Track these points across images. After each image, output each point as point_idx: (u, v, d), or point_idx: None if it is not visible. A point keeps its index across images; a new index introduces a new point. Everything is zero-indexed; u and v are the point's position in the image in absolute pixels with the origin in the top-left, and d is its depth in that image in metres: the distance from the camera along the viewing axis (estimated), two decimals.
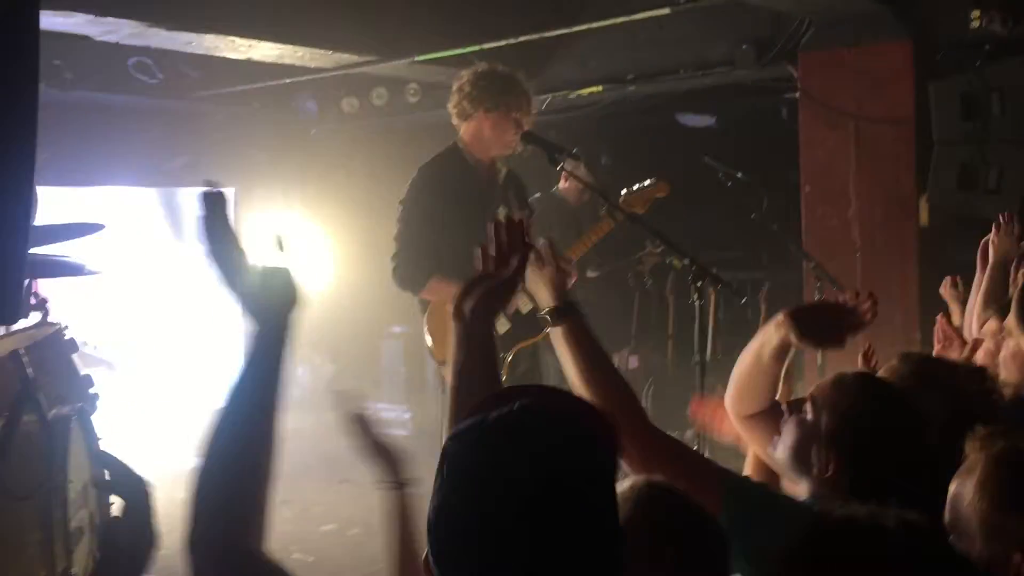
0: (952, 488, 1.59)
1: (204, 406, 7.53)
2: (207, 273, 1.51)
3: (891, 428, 1.91)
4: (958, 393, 2.18)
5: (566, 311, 2.09)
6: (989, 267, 3.47)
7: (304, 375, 7.84)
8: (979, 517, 1.53)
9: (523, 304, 4.04)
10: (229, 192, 7.68)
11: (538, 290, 2.17)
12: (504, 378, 3.96)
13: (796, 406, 2.06)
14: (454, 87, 4.03)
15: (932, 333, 3.71)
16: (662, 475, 1.81)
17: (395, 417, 7.58)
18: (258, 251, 1.54)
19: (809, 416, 1.98)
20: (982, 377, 2.27)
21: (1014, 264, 3.34)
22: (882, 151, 5.44)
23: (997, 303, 3.12)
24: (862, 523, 1.28)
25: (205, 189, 1.52)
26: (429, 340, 4.07)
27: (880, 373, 2.41)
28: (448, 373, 1.84)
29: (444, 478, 1.24)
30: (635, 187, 3.98)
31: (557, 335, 2.08)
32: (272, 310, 1.48)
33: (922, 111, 5.18)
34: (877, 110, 5.42)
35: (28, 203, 1.64)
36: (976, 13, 4.94)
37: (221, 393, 1.44)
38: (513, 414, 1.25)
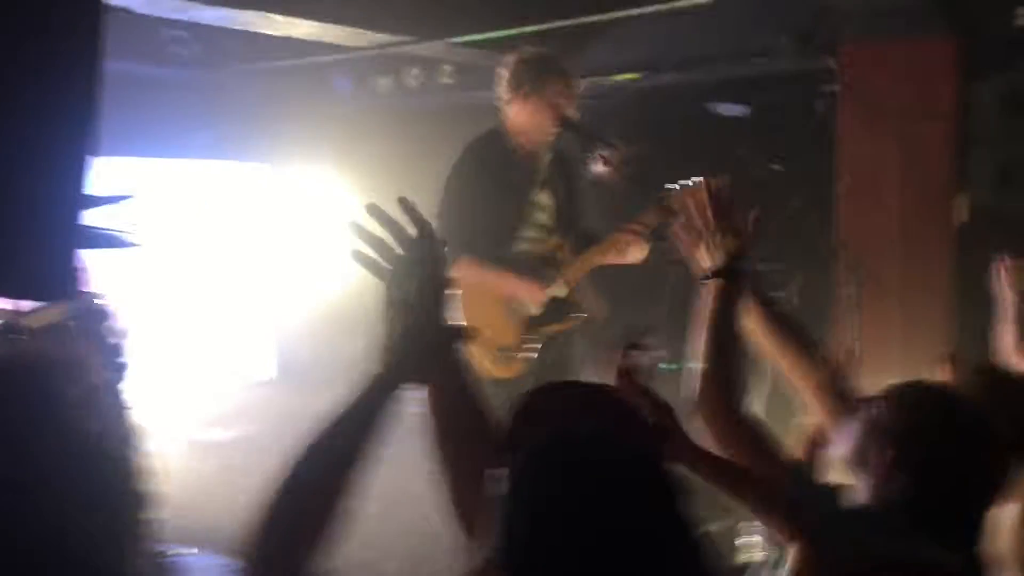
0: (998, 513, 1.56)
1: (221, 380, 7.58)
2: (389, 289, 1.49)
3: (961, 445, 1.86)
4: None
5: (730, 273, 2.15)
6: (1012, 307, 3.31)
7: (328, 354, 7.87)
8: (1018, 545, 1.51)
9: (558, 289, 4.04)
10: (262, 169, 7.69)
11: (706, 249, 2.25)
12: (532, 366, 3.98)
13: (864, 402, 2.03)
14: (499, 71, 4.03)
15: (968, 331, 3.66)
16: (735, 453, 1.83)
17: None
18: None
19: (877, 418, 1.94)
20: None
21: None
22: (921, 147, 5.38)
23: None
24: None
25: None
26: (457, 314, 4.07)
27: (952, 366, 2.37)
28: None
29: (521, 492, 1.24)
30: (687, 182, 3.94)
31: (710, 287, 2.15)
32: (410, 375, 1.48)
33: (963, 108, 5.11)
34: (917, 106, 5.35)
35: (79, 177, 1.64)
36: (1021, 10, 4.87)
37: (318, 423, 1.43)
38: (584, 443, 1.26)
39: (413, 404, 1.64)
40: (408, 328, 1.47)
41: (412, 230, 1.53)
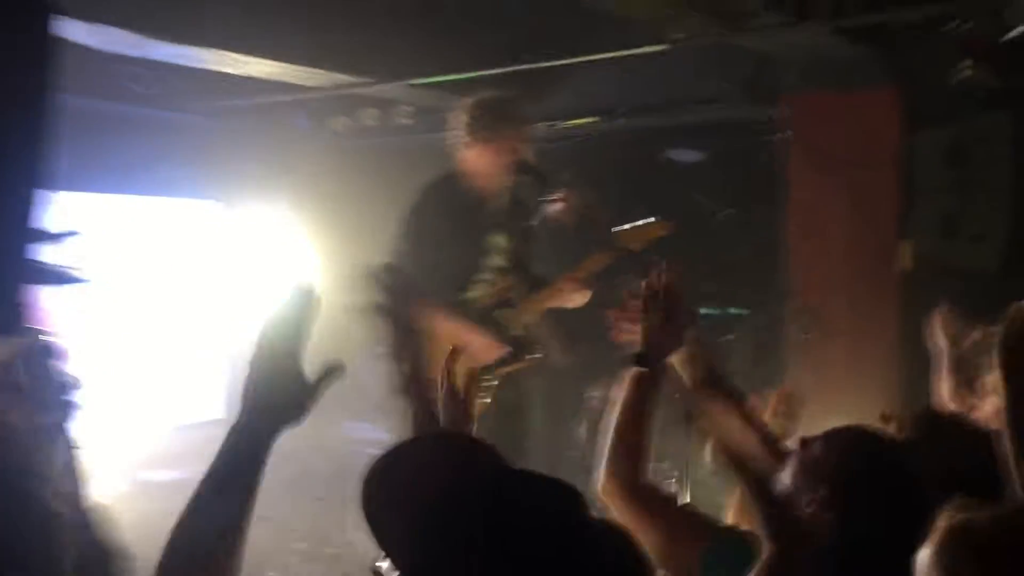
0: (919, 555, 1.60)
1: (169, 419, 7.40)
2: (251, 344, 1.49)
3: (888, 489, 1.93)
4: (964, 454, 2.21)
5: (648, 363, 2.24)
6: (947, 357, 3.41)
7: None
8: None
9: (516, 326, 4.07)
10: (216, 207, 7.61)
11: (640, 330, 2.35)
12: (489, 401, 3.99)
13: (805, 443, 2.07)
14: (454, 116, 4.07)
15: (912, 377, 3.74)
16: (645, 524, 1.87)
17: (373, 437, 7.54)
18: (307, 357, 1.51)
19: (809, 460, 2.00)
20: (990, 440, 2.29)
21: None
22: (867, 195, 5.51)
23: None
24: None
25: (305, 285, 1.53)
26: None
27: (892, 424, 2.43)
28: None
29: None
30: (637, 223, 4.02)
31: (630, 373, 2.24)
32: (277, 418, 1.48)
33: (907, 157, 5.24)
34: (863, 154, 5.49)
35: (29, 212, 1.64)
36: (967, 63, 5.02)
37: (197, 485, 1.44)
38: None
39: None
40: (267, 375, 1.48)
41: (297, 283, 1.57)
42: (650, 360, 2.29)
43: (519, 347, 4.10)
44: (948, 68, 5.07)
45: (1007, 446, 2.13)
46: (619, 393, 2.24)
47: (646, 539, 1.97)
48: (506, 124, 3.98)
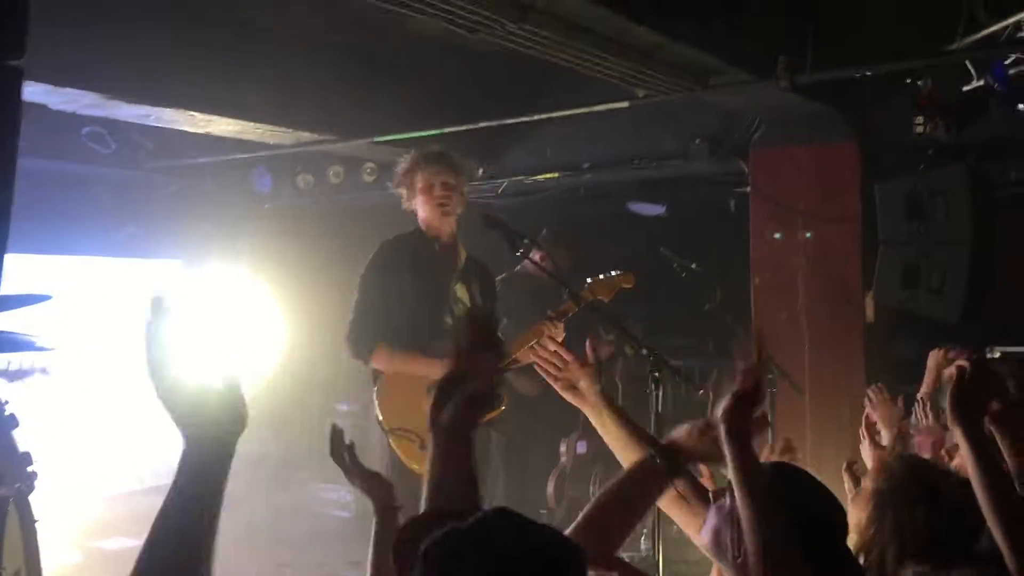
0: None
1: (125, 484, 7.22)
2: (144, 383, 1.45)
3: (803, 517, 1.92)
4: (947, 503, 2.22)
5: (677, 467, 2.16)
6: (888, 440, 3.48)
7: (245, 454, 7.67)
8: None
9: None
10: (177, 266, 7.53)
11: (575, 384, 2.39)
12: None
13: (721, 493, 2.06)
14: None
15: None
16: None
17: (337, 499, 7.43)
18: (202, 364, 1.49)
19: (727, 502, 1.98)
20: (970, 490, 2.29)
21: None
22: (829, 248, 5.57)
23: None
24: None
25: (155, 295, 1.48)
26: (378, 411, 4.07)
27: (872, 471, 2.43)
28: (425, 486, 1.81)
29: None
30: (601, 276, 4.06)
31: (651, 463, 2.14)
32: (212, 433, 1.43)
33: (868, 210, 5.32)
34: (825, 208, 5.56)
35: None
36: (920, 119, 5.13)
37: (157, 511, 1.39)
38: (488, 521, 1.29)
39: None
40: (180, 403, 1.44)
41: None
42: (680, 465, 2.17)
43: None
44: (906, 123, 5.17)
45: (975, 486, 2.14)
46: (629, 473, 2.15)
47: None
48: (410, 172, 4.22)
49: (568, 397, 2.49)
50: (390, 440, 4.03)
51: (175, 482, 1.39)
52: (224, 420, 1.44)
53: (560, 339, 4.01)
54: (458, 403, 1.82)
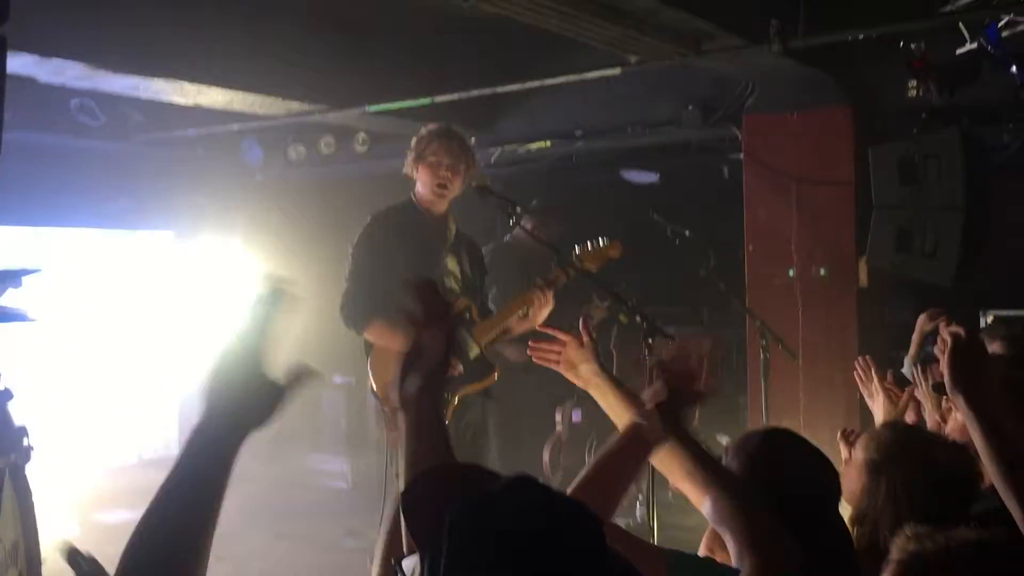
0: None
1: (122, 457, 7.23)
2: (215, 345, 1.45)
3: (800, 478, 1.95)
4: (940, 469, 2.22)
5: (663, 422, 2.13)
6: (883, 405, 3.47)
7: None
8: None
9: (472, 349, 4.06)
10: (168, 238, 7.46)
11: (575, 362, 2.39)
12: (448, 422, 3.98)
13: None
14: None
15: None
16: None
17: (334, 469, 7.46)
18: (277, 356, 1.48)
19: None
20: (964, 455, 2.30)
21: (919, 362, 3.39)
22: (823, 213, 5.57)
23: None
24: None
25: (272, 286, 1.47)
26: (373, 381, 4.08)
27: (862, 440, 2.44)
28: (400, 461, 1.81)
29: (451, 551, 1.23)
30: (589, 245, 4.06)
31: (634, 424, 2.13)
32: (242, 418, 1.42)
33: (862, 175, 5.31)
34: (818, 172, 5.55)
35: None
36: (913, 82, 5.10)
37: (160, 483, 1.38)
38: (515, 490, 1.28)
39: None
40: (229, 376, 1.44)
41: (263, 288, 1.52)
42: (665, 420, 2.14)
43: (478, 368, 4.11)
44: (899, 87, 5.15)
45: (984, 458, 2.14)
46: (617, 437, 2.17)
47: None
48: (417, 147, 4.18)
49: (570, 377, 2.47)
50: (385, 408, 4.05)
51: (186, 454, 1.38)
52: (254, 410, 1.43)
53: (550, 307, 4.03)
54: (420, 376, 1.81)
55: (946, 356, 2.44)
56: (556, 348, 2.48)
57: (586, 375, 2.43)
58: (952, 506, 2.22)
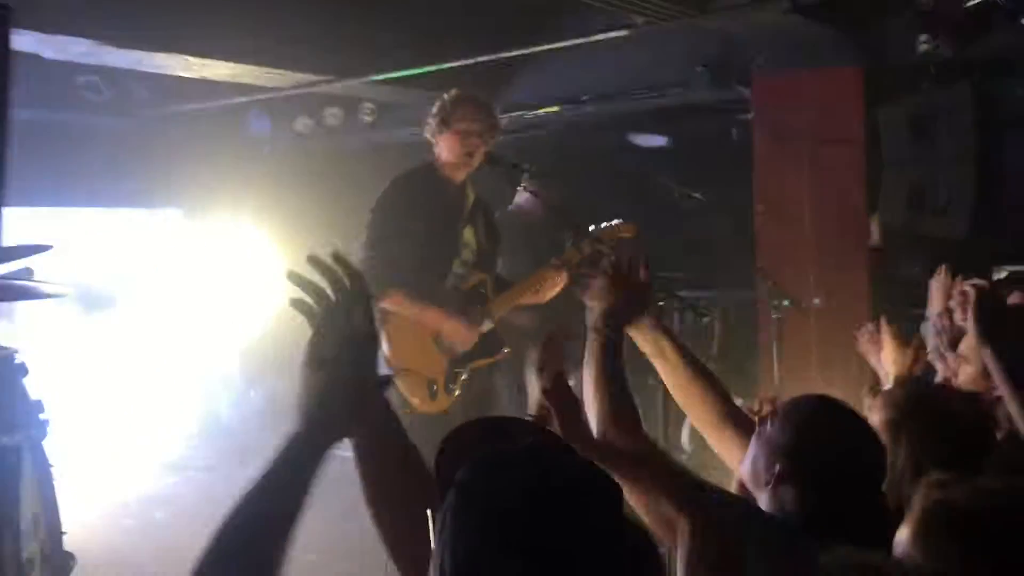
0: (898, 533, 1.59)
1: (149, 435, 7.22)
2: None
3: (847, 453, 1.92)
4: (952, 421, 2.22)
5: (609, 330, 2.28)
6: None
7: (257, 397, 7.73)
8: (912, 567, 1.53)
9: (485, 324, 4.07)
10: (177, 215, 7.44)
11: (600, 297, 2.39)
12: (458, 393, 4.00)
13: (764, 422, 2.07)
14: (426, 114, 4.18)
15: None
16: (635, 473, 1.86)
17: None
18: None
19: (767, 435, 1.99)
20: (976, 405, 2.30)
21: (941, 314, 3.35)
22: (834, 171, 5.53)
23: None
24: None
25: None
26: (386, 347, 4.06)
27: (876, 398, 2.44)
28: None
29: (453, 515, 1.21)
30: (604, 225, 4.04)
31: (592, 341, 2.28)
32: (333, 432, 1.43)
33: (872, 133, 5.27)
34: (829, 131, 5.50)
35: None
36: (924, 37, 5.05)
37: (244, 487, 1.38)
38: (529, 455, 1.26)
39: (347, 450, 1.62)
40: (325, 385, 1.44)
41: (346, 281, 1.51)
42: (610, 324, 2.31)
43: (490, 342, 4.11)
44: (909, 43, 5.10)
45: (1012, 407, 2.14)
46: (593, 360, 2.23)
47: (638, 496, 1.95)
48: (457, 111, 4.06)
49: (601, 304, 2.42)
50: (395, 379, 4.06)
51: (279, 461, 1.38)
52: (350, 423, 1.44)
53: (563, 285, 4.03)
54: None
55: (971, 309, 2.45)
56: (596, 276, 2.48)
57: (642, 325, 2.43)
58: (971, 457, 2.22)
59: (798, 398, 2.10)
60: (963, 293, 2.60)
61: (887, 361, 3.34)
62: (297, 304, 1.50)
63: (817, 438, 1.93)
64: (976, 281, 2.42)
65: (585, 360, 2.27)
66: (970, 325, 2.51)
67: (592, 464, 1.31)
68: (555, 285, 4.06)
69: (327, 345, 1.47)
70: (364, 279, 1.52)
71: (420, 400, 3.88)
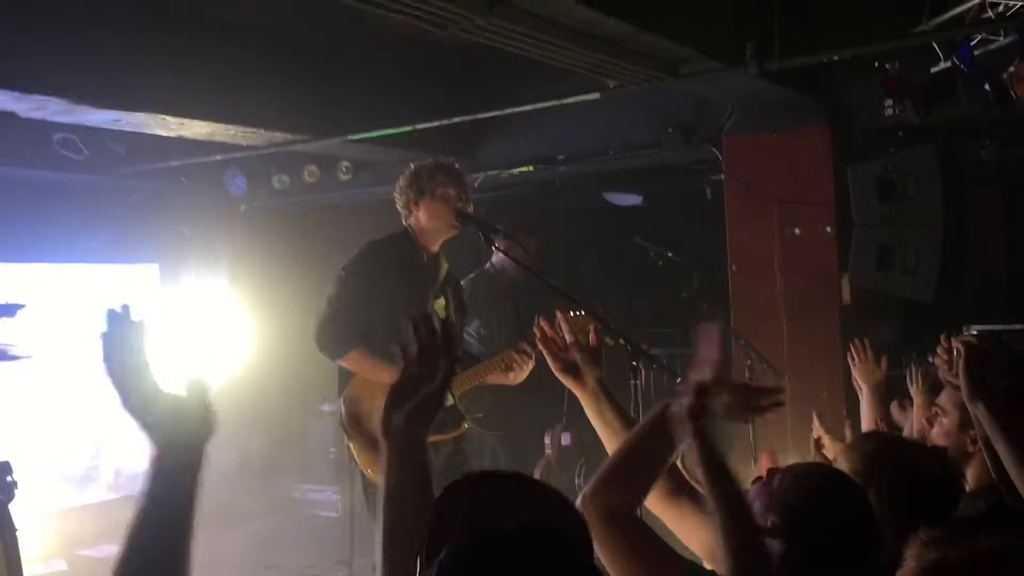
0: None
1: (114, 494, 7.13)
2: (109, 394, 1.45)
3: (843, 523, 1.96)
4: (921, 475, 2.24)
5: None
6: (867, 394, 3.59)
7: (231, 456, 7.65)
8: None
9: (450, 396, 4.07)
10: (153, 271, 7.41)
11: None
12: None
13: (763, 478, 2.09)
14: (395, 193, 4.20)
15: (858, 410, 3.84)
16: (622, 552, 1.84)
17: (324, 499, 7.42)
18: (171, 372, 1.49)
19: (774, 485, 2.02)
20: (945, 460, 2.32)
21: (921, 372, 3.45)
22: (805, 231, 5.60)
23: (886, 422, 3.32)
24: None
25: (110, 308, 1.48)
26: (344, 411, 4.05)
27: (841, 451, 2.46)
28: (380, 489, 1.79)
29: None
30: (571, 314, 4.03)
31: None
32: (182, 440, 1.43)
33: (842, 194, 5.36)
34: (799, 192, 5.59)
35: None
36: (889, 102, 5.16)
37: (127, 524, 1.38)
38: (514, 534, 1.25)
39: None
40: (156, 404, 1.45)
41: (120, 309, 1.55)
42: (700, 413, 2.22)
43: (448, 419, 4.10)
44: (875, 106, 5.21)
45: (1008, 462, 2.16)
46: (649, 422, 2.14)
47: (621, 560, 1.93)
48: (428, 180, 4.11)
49: (566, 381, 2.47)
50: (346, 440, 4.05)
51: (147, 491, 1.39)
52: (192, 425, 1.44)
53: (530, 369, 4.03)
54: (410, 408, 1.80)
55: (962, 365, 2.48)
56: (559, 345, 2.48)
57: (589, 382, 2.43)
58: (940, 510, 2.24)
59: (810, 464, 2.12)
60: (949, 350, 2.64)
61: (859, 377, 3.48)
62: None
63: (817, 511, 1.96)
64: (964, 337, 2.46)
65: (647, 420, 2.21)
66: (961, 381, 2.54)
67: (578, 550, 1.30)
68: (523, 369, 4.06)
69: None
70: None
71: (366, 464, 3.88)
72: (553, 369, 2.50)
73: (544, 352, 2.51)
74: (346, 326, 3.98)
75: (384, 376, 3.91)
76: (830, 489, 2.00)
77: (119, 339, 1.47)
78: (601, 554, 1.94)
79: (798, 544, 1.92)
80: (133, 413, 1.43)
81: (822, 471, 2.09)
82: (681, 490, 2.31)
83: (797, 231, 5.59)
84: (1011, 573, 1.55)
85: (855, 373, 3.65)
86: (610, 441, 2.39)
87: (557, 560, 1.24)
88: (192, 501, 1.40)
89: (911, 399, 3.48)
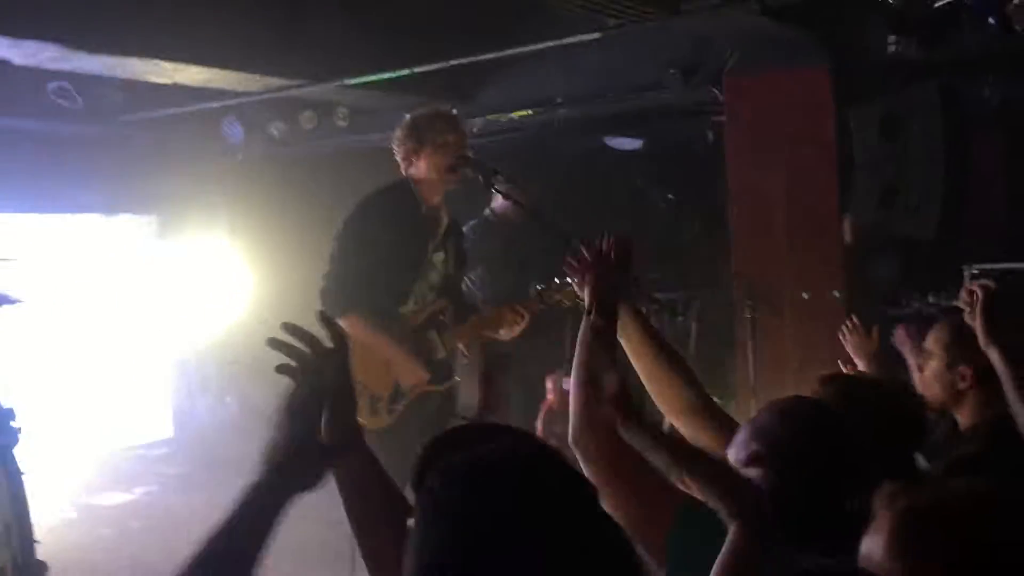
0: (863, 546, 1.56)
1: (116, 442, 7.22)
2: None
3: (823, 448, 1.95)
4: (885, 412, 2.25)
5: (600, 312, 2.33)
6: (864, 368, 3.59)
7: (232, 404, 7.70)
8: None
9: (444, 350, 4.07)
10: (151, 221, 7.41)
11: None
12: (410, 417, 3.98)
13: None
14: (393, 144, 4.12)
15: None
16: (617, 480, 1.86)
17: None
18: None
19: (757, 417, 2.05)
20: (907, 395, 2.34)
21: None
22: (807, 172, 5.57)
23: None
24: None
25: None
26: None
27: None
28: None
29: (434, 515, 1.21)
30: (561, 284, 4.02)
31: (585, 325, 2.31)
32: (292, 486, 1.46)
33: (844, 133, 5.32)
34: (801, 132, 5.55)
35: None
36: (893, 38, 5.10)
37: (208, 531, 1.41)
38: (503, 454, 1.26)
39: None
40: (277, 443, 1.46)
41: (327, 343, 1.57)
42: (601, 308, 2.34)
43: (440, 371, 4.10)
44: (878, 44, 5.14)
45: (1017, 408, 2.18)
46: (579, 347, 2.23)
47: (616, 498, 1.94)
48: (427, 130, 4.03)
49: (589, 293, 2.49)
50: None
51: (237, 508, 1.42)
52: (311, 477, 1.48)
53: (523, 327, 4.04)
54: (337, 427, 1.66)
55: (979, 309, 2.50)
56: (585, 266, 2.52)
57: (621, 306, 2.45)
58: (904, 448, 2.26)
59: (799, 397, 2.16)
60: (970, 292, 2.66)
61: (853, 353, 3.51)
62: (282, 369, 1.56)
63: (796, 433, 1.96)
64: (984, 281, 2.47)
65: (577, 345, 2.28)
66: (978, 324, 2.56)
67: (568, 468, 1.31)
68: (514, 327, 4.06)
69: (297, 398, 1.51)
70: (344, 340, 1.54)
71: (363, 416, 3.89)
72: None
73: (569, 270, 2.56)
74: (342, 283, 3.95)
75: (377, 345, 3.89)
76: (809, 416, 2.02)
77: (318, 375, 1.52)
78: None
79: (779, 471, 1.92)
80: (285, 435, 1.46)
81: (803, 401, 2.12)
82: (701, 407, 2.42)
83: (799, 172, 5.56)
84: (982, 517, 1.50)
85: (849, 350, 3.66)
86: (643, 365, 2.49)
87: (551, 469, 1.25)
88: (269, 536, 1.42)
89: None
